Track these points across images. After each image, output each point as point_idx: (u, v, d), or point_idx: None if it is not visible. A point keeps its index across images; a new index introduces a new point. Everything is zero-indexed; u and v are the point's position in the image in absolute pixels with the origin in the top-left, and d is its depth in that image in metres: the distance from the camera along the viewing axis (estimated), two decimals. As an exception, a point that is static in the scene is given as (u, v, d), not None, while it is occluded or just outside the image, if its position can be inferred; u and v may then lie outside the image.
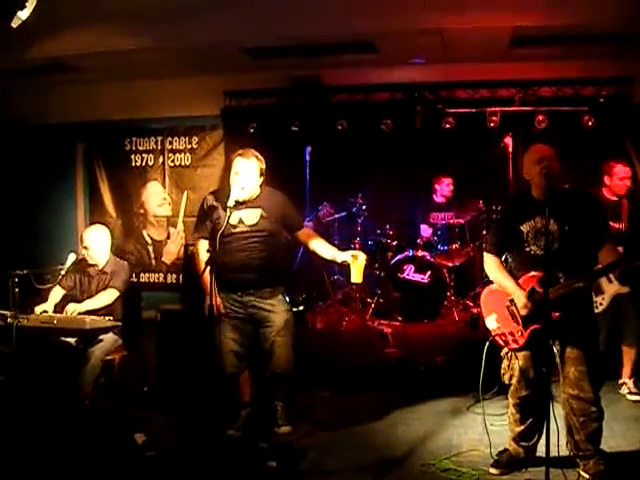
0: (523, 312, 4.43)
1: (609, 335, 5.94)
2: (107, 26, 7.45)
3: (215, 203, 5.31)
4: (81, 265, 6.25)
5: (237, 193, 5.07)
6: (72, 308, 5.85)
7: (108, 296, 6.07)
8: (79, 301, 6.03)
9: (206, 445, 5.17)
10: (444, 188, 9.04)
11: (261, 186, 5.33)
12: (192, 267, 5.68)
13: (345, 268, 5.41)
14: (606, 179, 6.21)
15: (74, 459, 4.95)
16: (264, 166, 5.30)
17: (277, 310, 5.36)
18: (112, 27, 7.47)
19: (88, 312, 5.84)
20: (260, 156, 5.30)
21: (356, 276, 5.21)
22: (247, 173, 5.18)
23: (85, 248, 6.19)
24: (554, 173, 4.36)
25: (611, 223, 5.74)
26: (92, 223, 6.43)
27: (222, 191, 5.38)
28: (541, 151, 4.52)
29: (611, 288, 5.94)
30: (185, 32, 7.41)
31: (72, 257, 6.10)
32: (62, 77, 8.96)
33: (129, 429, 5.31)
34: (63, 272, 6.07)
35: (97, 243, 6.21)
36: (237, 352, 5.37)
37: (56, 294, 6.21)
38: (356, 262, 5.15)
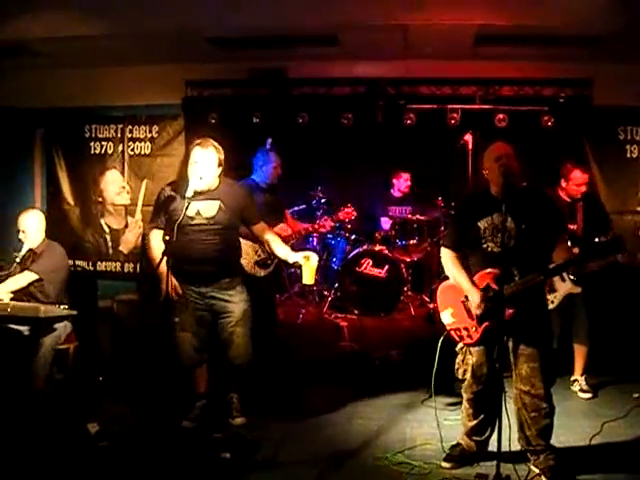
0: (476, 311, 4.49)
1: (561, 332, 6.03)
2: (70, 11, 7.34)
3: (173, 194, 5.26)
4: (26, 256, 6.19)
5: (195, 183, 5.03)
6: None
7: (24, 278, 6.00)
8: None
9: (160, 436, 5.15)
10: (402, 183, 9.11)
11: (219, 177, 5.30)
12: (146, 256, 5.64)
13: (297, 268, 5.40)
14: (562, 182, 6.26)
15: (26, 449, 4.92)
16: (222, 157, 5.26)
17: (235, 300, 5.33)
18: (75, 12, 7.36)
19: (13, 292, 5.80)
20: (219, 146, 5.26)
21: (308, 277, 5.19)
22: (205, 163, 5.14)
23: (22, 232, 6.14)
24: (512, 171, 4.40)
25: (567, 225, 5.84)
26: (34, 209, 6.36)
27: (180, 182, 5.33)
28: (500, 149, 4.57)
29: (564, 287, 6.01)
30: (148, 19, 7.33)
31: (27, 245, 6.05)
32: (22, 61, 8.82)
33: (82, 419, 5.28)
34: (18, 259, 6.01)
35: (32, 226, 6.17)
36: (195, 344, 5.35)
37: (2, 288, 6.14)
38: (308, 263, 5.12)
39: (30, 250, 6.16)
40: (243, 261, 5.95)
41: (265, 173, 6.76)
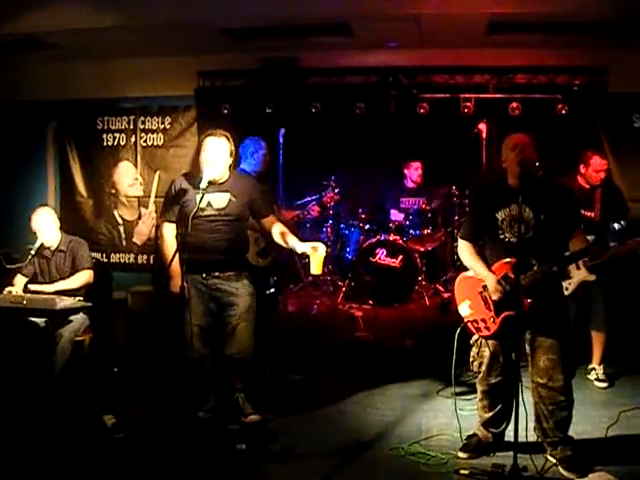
0: (495, 296, 4.46)
1: (577, 320, 5.99)
2: (82, 3, 7.35)
3: (185, 186, 5.24)
4: (39, 249, 6.21)
5: (209, 173, 5.00)
6: (52, 288, 5.88)
7: (83, 276, 6.08)
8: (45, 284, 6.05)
9: (176, 427, 5.16)
10: (413, 173, 9.08)
11: (230, 169, 5.29)
12: (159, 249, 5.61)
13: (304, 259, 5.38)
14: (582, 168, 6.24)
15: (44, 440, 4.94)
16: (233, 148, 5.25)
17: (241, 294, 5.31)
18: (87, 4, 7.36)
19: (58, 292, 5.83)
20: (229, 137, 5.26)
21: (315, 268, 5.15)
22: (217, 151, 5.13)
23: (38, 232, 6.16)
24: (529, 161, 4.37)
25: (583, 211, 5.79)
26: (37, 207, 6.39)
27: (192, 174, 5.33)
28: (517, 139, 4.53)
29: (579, 274, 5.97)
30: (161, 11, 7.33)
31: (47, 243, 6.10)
32: (35, 54, 8.83)
33: (98, 411, 5.30)
34: (32, 252, 6.04)
35: (46, 225, 6.20)
36: (201, 337, 5.30)
37: (19, 282, 6.18)
38: (315, 254, 5.06)
39: (44, 247, 6.19)
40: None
41: (257, 161, 6.61)
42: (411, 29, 7.76)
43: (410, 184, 9.16)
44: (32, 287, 6.05)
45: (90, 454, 4.80)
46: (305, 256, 5.24)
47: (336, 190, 8.79)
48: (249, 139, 6.61)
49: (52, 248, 6.23)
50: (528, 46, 8.19)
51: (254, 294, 5.44)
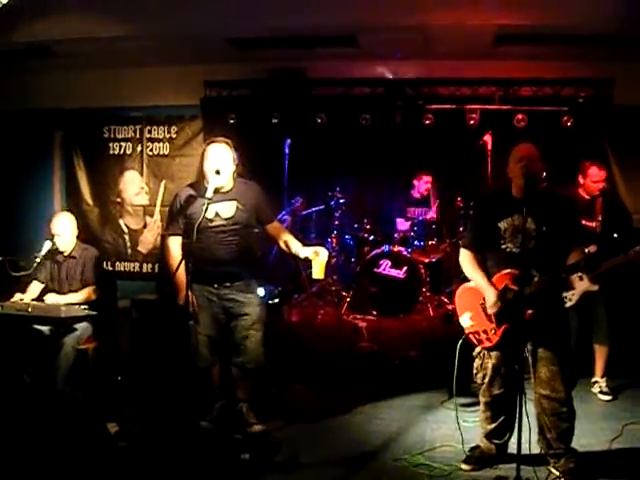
0: (491, 310, 4.47)
1: (580, 332, 5.98)
2: (89, 12, 7.38)
3: (190, 197, 5.24)
4: (51, 254, 6.24)
5: (214, 181, 4.95)
6: (53, 299, 5.89)
7: (83, 294, 6.11)
8: (56, 291, 6.06)
9: (179, 436, 5.17)
10: (422, 185, 9.06)
11: (234, 177, 5.29)
12: (165, 262, 5.62)
13: (307, 264, 5.39)
14: (580, 179, 6.28)
15: (47, 448, 4.94)
16: (235, 155, 5.26)
17: (252, 303, 5.32)
18: (94, 14, 7.40)
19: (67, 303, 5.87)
20: (231, 144, 5.26)
21: (318, 272, 5.17)
22: (221, 158, 5.12)
23: (57, 235, 6.19)
24: (534, 173, 4.38)
25: (585, 222, 5.83)
26: (59, 211, 6.43)
27: (197, 185, 5.33)
28: (523, 151, 4.54)
29: (581, 285, 5.96)
30: (168, 21, 7.37)
31: (48, 244, 6.11)
32: (42, 63, 8.88)
33: (102, 419, 5.30)
34: (38, 260, 6.06)
35: (66, 229, 6.25)
36: (210, 346, 5.32)
37: (35, 288, 6.20)
38: (318, 258, 5.10)
39: (57, 251, 6.22)
40: None
41: None
42: (417, 40, 7.78)
43: (416, 195, 9.15)
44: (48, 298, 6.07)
45: (93, 462, 4.80)
46: (307, 261, 5.26)
47: (341, 200, 8.79)
48: None
49: (65, 253, 6.27)
50: (534, 58, 8.19)
51: (264, 304, 5.47)
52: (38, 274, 6.24)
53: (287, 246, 5.34)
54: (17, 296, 5.98)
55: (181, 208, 5.26)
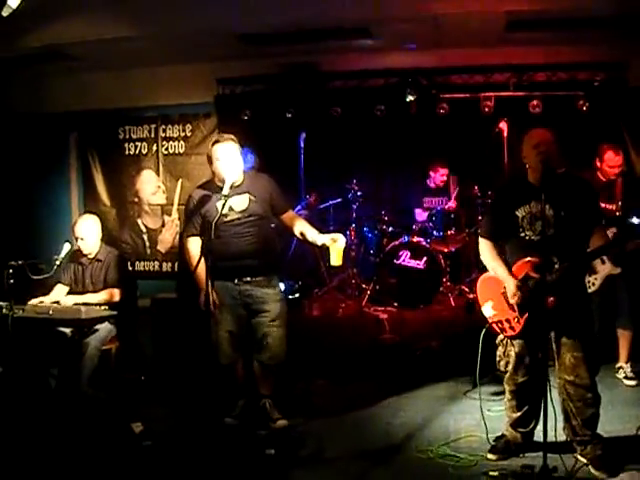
0: (512, 300, 4.43)
1: (603, 317, 5.94)
2: (101, 14, 7.41)
3: (203, 196, 5.26)
4: (75, 256, 6.25)
5: (229, 177, 4.98)
6: (72, 300, 5.89)
7: (105, 295, 6.10)
8: (79, 293, 6.07)
9: (204, 434, 5.18)
10: (437, 177, 9.01)
11: (242, 171, 5.30)
12: (185, 263, 5.61)
13: (325, 251, 5.38)
14: (597, 162, 6.25)
15: (72, 449, 4.96)
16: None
17: (272, 299, 5.32)
18: (106, 15, 7.43)
19: (85, 303, 5.86)
20: (236, 139, 5.26)
21: (335, 259, 5.15)
22: (230, 156, 5.15)
23: (80, 239, 6.19)
24: (551, 158, 4.33)
25: (604, 205, 5.80)
26: (83, 213, 6.41)
27: (207, 184, 5.37)
28: (539, 135, 4.49)
29: (604, 269, 5.94)
30: (179, 19, 7.38)
31: (67, 247, 6.10)
32: (55, 66, 8.92)
33: (126, 419, 5.32)
34: (58, 262, 6.06)
35: (90, 232, 6.23)
36: (232, 342, 5.33)
37: (59, 291, 6.21)
38: (335, 245, 5.07)
39: (82, 254, 6.24)
40: None
41: None
42: (429, 30, 7.75)
43: (432, 185, 9.12)
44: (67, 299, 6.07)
45: (118, 462, 4.82)
46: (324, 248, 5.24)
47: (358, 193, 8.77)
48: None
49: (90, 256, 6.25)
50: (547, 43, 8.14)
51: (285, 299, 5.47)
52: (62, 277, 6.25)
53: (303, 235, 5.33)
54: (37, 299, 5.98)
55: (195, 209, 5.28)
